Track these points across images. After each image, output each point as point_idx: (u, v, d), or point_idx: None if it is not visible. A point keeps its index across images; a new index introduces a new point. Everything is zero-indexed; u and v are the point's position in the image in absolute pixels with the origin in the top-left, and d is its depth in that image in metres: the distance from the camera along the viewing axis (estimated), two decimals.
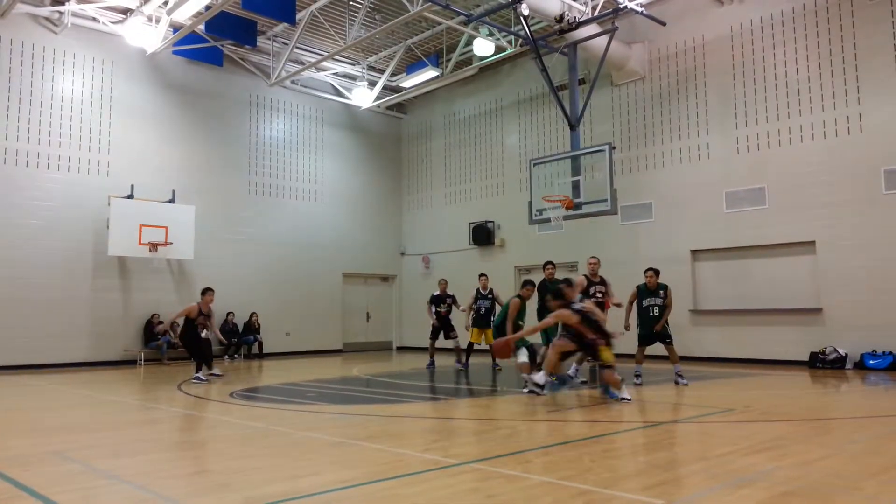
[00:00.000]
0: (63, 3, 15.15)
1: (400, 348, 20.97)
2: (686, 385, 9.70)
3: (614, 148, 13.18)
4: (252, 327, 17.63)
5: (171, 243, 15.89)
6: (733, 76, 14.42)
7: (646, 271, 10.19)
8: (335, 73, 19.75)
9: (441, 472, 4.70)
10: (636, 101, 16.07)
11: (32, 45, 15.10)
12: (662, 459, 5.18)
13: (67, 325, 14.81)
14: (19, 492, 4.32)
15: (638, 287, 10.13)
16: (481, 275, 13.25)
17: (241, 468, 4.97)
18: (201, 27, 15.84)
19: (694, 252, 14.84)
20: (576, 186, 12.57)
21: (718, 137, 14.61)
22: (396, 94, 20.09)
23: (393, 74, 19.55)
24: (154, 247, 15.60)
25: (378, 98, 20.12)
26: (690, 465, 4.95)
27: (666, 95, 15.53)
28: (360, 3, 15.77)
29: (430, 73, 18.55)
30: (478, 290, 12.89)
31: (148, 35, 15.69)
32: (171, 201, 16.42)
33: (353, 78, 20.14)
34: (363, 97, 20.17)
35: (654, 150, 15.63)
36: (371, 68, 19.83)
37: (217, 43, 17.23)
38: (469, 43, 17.49)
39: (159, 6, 15.13)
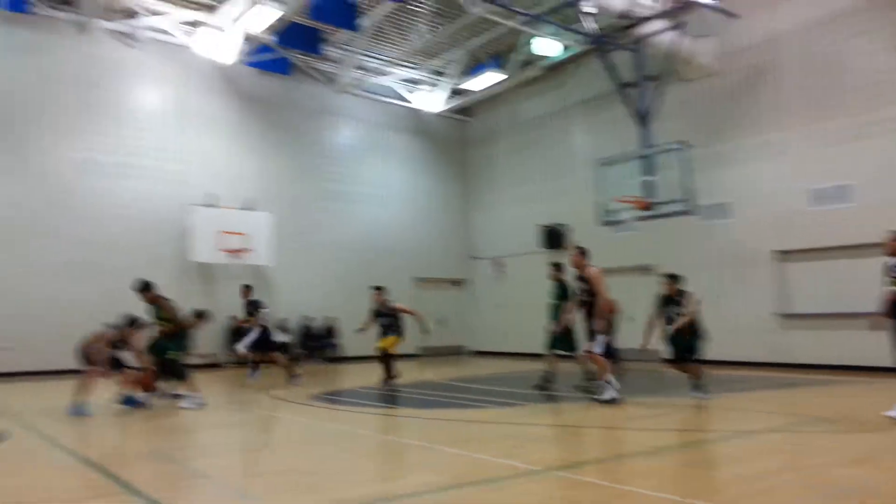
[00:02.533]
0: (137, 18, 15.77)
1: (474, 353, 20.96)
2: (706, 399, 8.50)
3: (688, 146, 12.81)
4: (329, 332, 18.04)
5: (250, 249, 16.41)
6: (811, 69, 13.81)
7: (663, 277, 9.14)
8: (400, 79, 19.97)
9: (525, 478, 4.69)
10: (708, 97, 15.59)
11: (112, 60, 15.81)
12: (753, 470, 5.02)
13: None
14: (120, 489, 4.56)
15: (659, 296, 9.08)
16: (376, 288, 12.15)
17: (326, 470, 5.09)
18: (271, 38, 16.31)
19: (777, 252, 14.26)
20: (648, 186, 12.31)
21: (798, 133, 14.01)
22: (461, 98, 20.15)
23: (457, 78, 19.61)
24: (233, 253, 16.15)
25: (443, 102, 20.22)
26: (782, 475, 4.78)
27: (739, 90, 15.01)
28: (422, 8, 15.90)
29: (493, 76, 18.52)
30: (377, 308, 11.71)
31: (220, 47, 16.23)
32: (249, 209, 16.96)
33: (416, 83, 20.31)
34: (428, 101, 20.33)
35: (729, 146, 15.13)
36: (435, 72, 19.96)
37: (286, 53, 17.69)
38: (532, 43, 17.38)
39: (232, 19, 15.68)
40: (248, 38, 16.22)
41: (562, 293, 10.18)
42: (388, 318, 11.57)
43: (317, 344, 17.75)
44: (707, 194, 14.95)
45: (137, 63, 16.12)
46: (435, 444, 6.07)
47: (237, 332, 16.43)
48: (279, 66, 17.88)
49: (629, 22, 13.28)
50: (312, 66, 18.64)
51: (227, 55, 16.44)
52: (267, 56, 17.32)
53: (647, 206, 12.11)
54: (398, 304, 11.84)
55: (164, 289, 15.59)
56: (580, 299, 8.49)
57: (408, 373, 14.31)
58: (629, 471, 4.94)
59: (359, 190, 19.47)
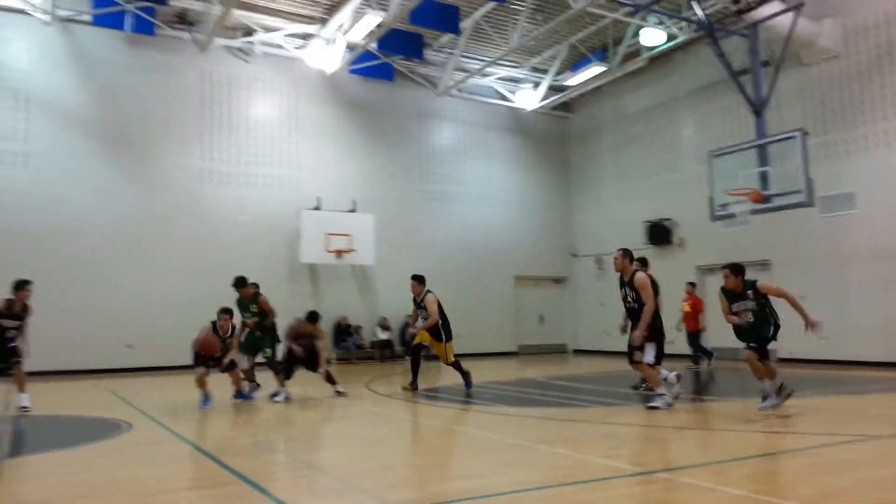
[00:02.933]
0: (252, 34, 16.75)
1: (576, 351, 20.66)
2: (770, 408, 7.27)
3: (807, 134, 11.99)
4: None
5: (355, 250, 16.96)
6: None
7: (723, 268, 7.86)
8: (499, 78, 19.95)
9: (625, 479, 4.56)
10: (830, 81, 14.52)
11: (228, 75, 16.80)
12: (875, 477, 4.62)
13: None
14: (234, 478, 4.82)
15: (721, 290, 7.94)
16: (414, 277, 10.41)
17: (425, 464, 5.17)
18: (374, 45, 16.77)
19: None
20: (764, 177, 11.64)
21: None
22: (562, 94, 19.87)
23: (557, 73, 19.36)
24: (339, 254, 16.76)
25: (543, 99, 20.03)
26: None
27: (866, 73, 13.88)
28: (523, 6, 15.80)
29: (596, 69, 18.12)
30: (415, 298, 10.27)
31: (327, 57, 16.93)
32: (353, 211, 17.51)
33: (517, 81, 20.23)
34: (528, 99, 20.19)
35: (854, 133, 14.04)
36: (535, 69, 19.79)
37: (388, 59, 18.14)
38: (636, 34, 16.85)
39: (336, 29, 16.27)
40: (353, 47, 16.76)
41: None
42: (425, 311, 10.09)
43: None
44: (827, 185, 13.93)
45: (251, 77, 17.04)
46: (533, 442, 6.02)
47: (342, 331, 17.05)
48: (382, 73, 18.36)
49: (742, 6, 12.59)
50: (414, 71, 18.99)
51: (333, 64, 17.08)
52: (370, 63, 17.84)
53: (761, 199, 11.45)
54: (431, 299, 10.09)
55: (277, 289, 16.43)
56: (627, 306, 7.94)
57: (508, 371, 14.29)
58: (737, 474, 4.68)
59: (459, 190, 19.65)
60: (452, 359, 10.17)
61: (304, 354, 9.38)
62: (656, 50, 17.01)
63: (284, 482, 4.79)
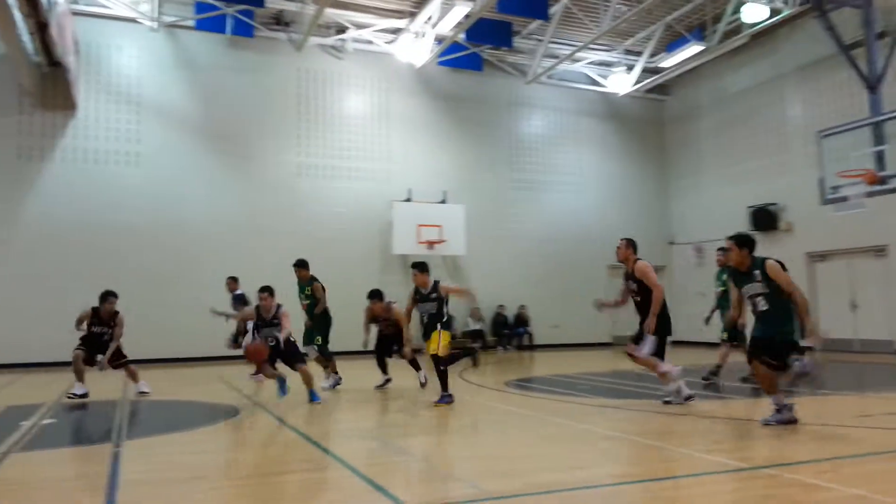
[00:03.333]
0: (344, 31, 17.13)
1: (674, 342, 19.95)
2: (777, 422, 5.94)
3: None
4: (521, 320, 18.36)
5: (446, 241, 17.11)
6: None
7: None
8: (590, 63, 19.52)
9: (728, 475, 4.38)
10: None
11: (322, 72, 17.31)
12: None
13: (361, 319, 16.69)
14: (335, 462, 5.00)
15: (728, 271, 6.88)
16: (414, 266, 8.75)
17: (520, 455, 5.15)
18: (462, 36, 16.79)
19: None
20: (879, 157, 10.85)
21: None
22: (657, 76, 19.21)
23: (651, 55, 18.74)
24: (430, 245, 16.96)
25: (637, 82, 19.44)
26: None
27: None
28: None
29: (694, 49, 17.39)
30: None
31: (416, 50, 17.12)
32: (444, 202, 17.67)
33: (608, 65, 19.72)
34: (621, 83, 19.65)
35: None
36: (628, 52, 19.22)
37: (476, 49, 18.12)
38: (737, 10, 16.02)
39: (424, 22, 16.40)
40: (442, 39, 16.85)
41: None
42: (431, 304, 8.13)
43: (508, 332, 18.18)
44: None
45: (344, 73, 17.49)
46: (632, 435, 5.89)
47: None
48: (471, 63, 18.38)
49: None
50: (503, 60, 18.90)
51: (422, 57, 17.25)
52: (459, 54, 17.90)
53: (877, 180, 10.68)
54: (447, 286, 8.59)
55: (370, 281, 16.75)
56: (633, 299, 7.52)
57: (602, 362, 14.02)
58: (850, 472, 4.39)
59: (550, 178, 19.41)
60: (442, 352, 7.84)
61: (391, 332, 9.33)
62: (759, 26, 16.13)
63: (381, 468, 4.90)
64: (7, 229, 14.41)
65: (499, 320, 18.07)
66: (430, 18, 16.20)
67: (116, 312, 9.13)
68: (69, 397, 8.69)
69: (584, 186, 19.85)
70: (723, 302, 9.79)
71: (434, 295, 8.04)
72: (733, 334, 9.40)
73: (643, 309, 7.36)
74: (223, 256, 15.67)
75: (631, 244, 7.68)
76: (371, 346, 9.66)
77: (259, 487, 4.38)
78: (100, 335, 9.00)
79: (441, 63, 17.91)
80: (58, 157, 14.96)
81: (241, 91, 16.50)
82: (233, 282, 12.16)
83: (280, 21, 16.69)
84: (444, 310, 8.05)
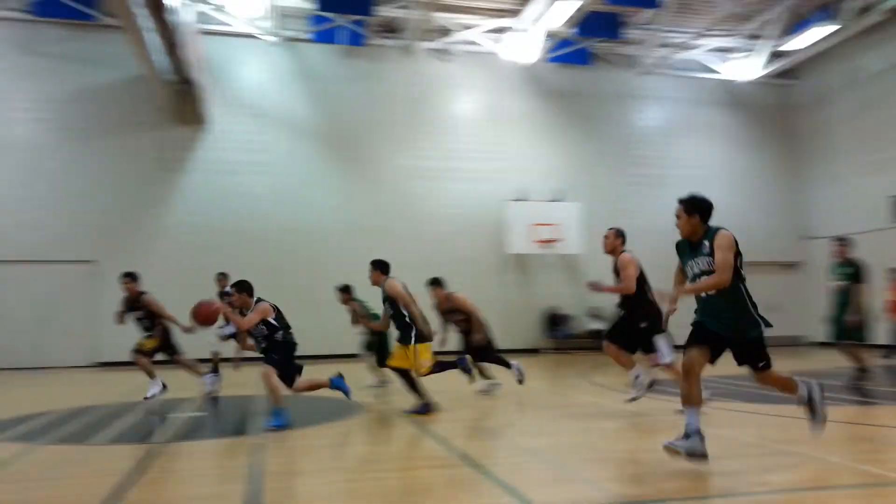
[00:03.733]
0: (451, 34, 17.26)
1: (812, 343, 18.67)
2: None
3: None
4: None
5: (561, 239, 16.90)
6: None
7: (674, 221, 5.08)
8: (707, 50, 18.64)
9: (883, 489, 4.02)
10: None
11: (431, 75, 17.58)
12: None
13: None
14: (459, 460, 5.03)
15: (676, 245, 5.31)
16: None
17: (652, 459, 4.96)
18: (571, 31, 16.51)
19: None
20: None
21: None
22: (784, 60, 18.05)
23: (776, 38, 17.63)
24: (545, 243, 16.80)
25: (763, 67, 18.36)
26: None
27: None
28: None
29: (826, 29, 16.22)
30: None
31: (522, 49, 16.99)
32: (558, 200, 17.44)
33: (727, 51, 18.75)
34: (742, 69, 18.64)
35: None
36: (749, 36, 18.19)
37: (586, 43, 17.76)
38: None
39: (530, 19, 16.25)
40: (549, 35, 16.65)
41: (853, 274, 8.93)
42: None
43: None
44: None
45: (452, 75, 17.69)
46: (774, 442, 5.54)
47: (553, 321, 17.10)
48: (580, 58, 18.07)
49: None
50: (613, 52, 18.45)
51: (530, 55, 17.11)
52: (567, 49, 17.65)
53: None
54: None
55: (484, 281, 16.81)
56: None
57: (728, 364, 13.29)
58: None
59: (668, 172, 18.69)
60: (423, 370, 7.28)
61: (466, 328, 8.80)
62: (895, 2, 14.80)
63: (506, 467, 4.88)
64: (151, 235, 15.65)
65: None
66: (538, 16, 16.03)
67: (139, 293, 8.54)
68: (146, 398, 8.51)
69: (706, 179, 18.89)
70: (843, 297, 9.02)
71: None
72: (847, 332, 8.89)
73: (627, 302, 7.10)
74: (348, 261, 16.15)
75: (620, 234, 7.39)
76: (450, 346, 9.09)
77: (396, 482, 4.50)
78: (138, 321, 8.68)
79: (549, 60, 17.71)
80: (193, 168, 16.08)
81: (356, 98, 17.05)
82: (223, 278, 11.04)
83: (389, 29, 17.11)
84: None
